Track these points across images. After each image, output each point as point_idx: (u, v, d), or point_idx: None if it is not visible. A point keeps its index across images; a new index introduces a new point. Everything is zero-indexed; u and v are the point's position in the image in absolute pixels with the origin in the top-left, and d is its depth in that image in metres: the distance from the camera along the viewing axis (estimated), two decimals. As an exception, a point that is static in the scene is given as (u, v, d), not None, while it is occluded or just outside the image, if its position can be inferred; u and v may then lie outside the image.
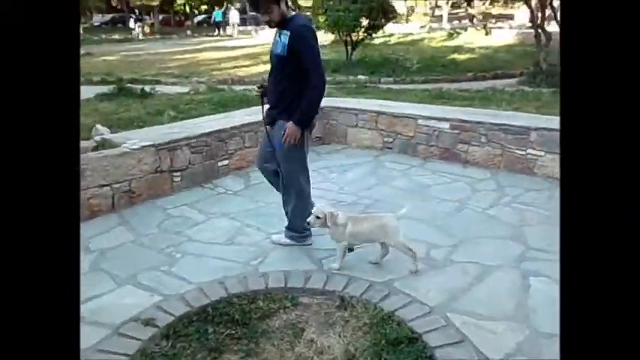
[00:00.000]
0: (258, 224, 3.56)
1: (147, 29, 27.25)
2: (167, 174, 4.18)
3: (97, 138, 4.44)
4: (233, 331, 2.37)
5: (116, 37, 24.63)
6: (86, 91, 8.22)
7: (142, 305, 2.52)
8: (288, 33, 2.74)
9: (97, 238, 3.34)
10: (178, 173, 4.26)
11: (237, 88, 9.15)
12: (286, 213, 3.19)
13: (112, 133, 4.87)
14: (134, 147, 3.95)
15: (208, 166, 4.50)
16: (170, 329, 2.35)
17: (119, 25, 35.22)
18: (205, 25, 34.99)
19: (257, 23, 26.48)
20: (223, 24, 27.36)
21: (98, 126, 4.96)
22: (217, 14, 28.22)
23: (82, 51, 16.56)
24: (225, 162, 4.65)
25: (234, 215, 3.75)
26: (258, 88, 3.19)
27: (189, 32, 25.46)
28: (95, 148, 4.07)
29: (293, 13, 2.91)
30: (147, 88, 8.15)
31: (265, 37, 20.55)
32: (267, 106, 3.12)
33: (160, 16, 35.89)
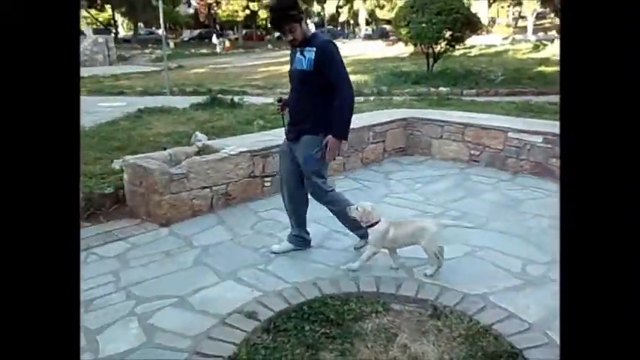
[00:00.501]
0: (345, 230, 3.65)
1: (227, 44, 28.66)
2: (259, 179, 4.41)
3: (198, 144, 4.78)
4: (328, 330, 2.46)
5: (203, 51, 26.21)
6: (182, 101, 8.88)
7: (244, 299, 2.69)
8: (313, 49, 2.78)
9: (199, 236, 3.60)
10: (269, 179, 4.47)
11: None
12: (292, 220, 3.32)
13: (208, 140, 5.22)
14: (232, 153, 4.22)
15: (297, 173, 4.67)
16: (270, 323, 2.48)
17: (206, 40, 37.40)
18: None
19: (334, 36, 26.86)
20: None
21: (197, 133, 5.33)
22: None
23: (174, 64, 17.78)
24: (313, 169, 4.81)
25: (323, 221, 3.86)
26: (278, 102, 3.20)
27: (270, 46, 26.49)
28: (197, 153, 4.38)
29: (313, 31, 2.98)
30: (236, 98, 8.62)
31: (347, 50, 20.89)
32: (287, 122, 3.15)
33: (244, 31, 37.65)
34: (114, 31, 35.78)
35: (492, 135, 5.16)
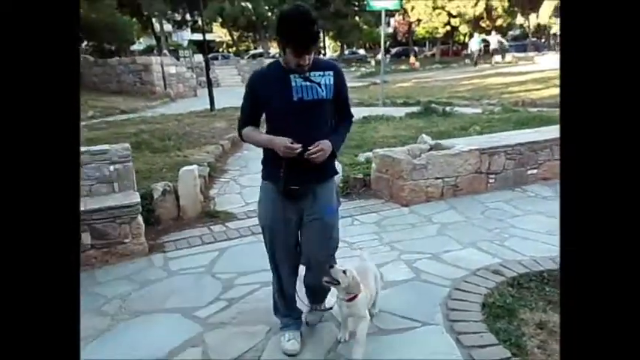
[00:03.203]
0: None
1: (412, 60, 29.52)
2: (484, 175, 4.94)
3: (423, 144, 5.54)
4: (567, 294, 2.88)
5: (402, 67, 27.54)
6: (396, 111, 9.87)
7: (488, 261, 3.28)
8: (329, 73, 2.23)
9: (435, 215, 4.32)
10: (493, 175, 4.96)
11: (531, 109, 9.39)
12: (310, 288, 2.61)
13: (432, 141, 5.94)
14: (463, 150, 4.84)
15: (519, 172, 5.06)
16: (514, 280, 3.02)
17: (402, 57, 38.97)
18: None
19: (524, 49, 24.76)
20: (478, 51, 25.34)
21: (423, 135, 6.12)
22: (475, 42, 26.36)
23: (378, 80, 19.45)
24: (534, 171, 5.13)
25: (549, 214, 4.20)
26: (303, 149, 2.15)
27: (467, 61, 26.37)
28: (429, 150, 5.13)
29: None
30: (447, 108, 9.23)
31: (546, 63, 19.70)
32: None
33: (441, 47, 38.09)
34: (323, 52, 40.07)
35: None
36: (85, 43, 25.05)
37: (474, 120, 7.99)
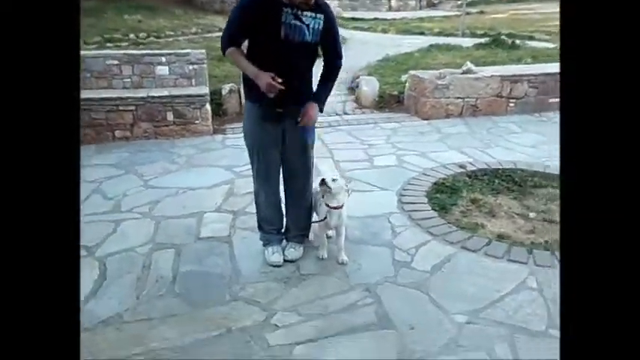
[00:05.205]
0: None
1: None
2: (505, 99, 5.50)
3: (464, 68, 6.11)
4: (509, 186, 3.66)
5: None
6: (469, 42, 10.08)
7: (460, 160, 4.11)
8: (321, 16, 2.31)
9: (446, 128, 5.09)
10: (514, 100, 5.51)
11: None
12: (290, 217, 2.77)
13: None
14: (485, 75, 5.42)
15: (540, 100, 5.54)
16: (472, 173, 3.85)
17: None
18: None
19: None
20: None
21: (468, 62, 6.61)
22: None
23: (476, 9, 18.79)
24: (557, 100, 5.55)
25: (545, 134, 4.78)
26: (282, 81, 2.27)
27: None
28: (462, 74, 5.75)
29: None
30: (517, 41, 9.29)
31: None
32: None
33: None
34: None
35: None
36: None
37: (534, 53, 8.12)
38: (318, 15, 2.30)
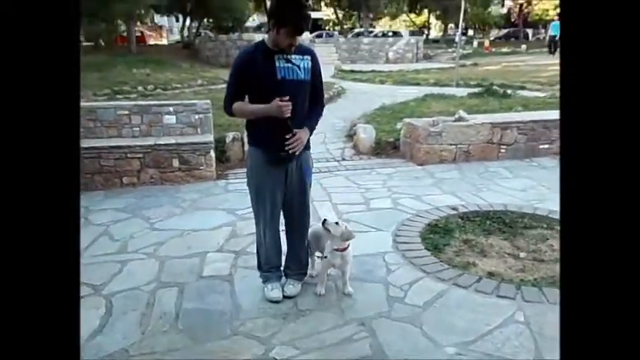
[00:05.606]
0: (552, 187, 4.71)
1: (486, 44, 28.38)
2: (496, 145, 5.74)
3: (456, 116, 6.40)
4: (501, 227, 3.81)
5: (504, 50, 26.85)
6: (463, 92, 10.52)
7: (453, 202, 4.28)
8: (306, 57, 2.55)
9: (440, 173, 5.30)
10: (505, 146, 5.75)
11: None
12: (294, 253, 2.93)
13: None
14: (476, 122, 5.70)
15: (530, 146, 5.79)
16: (464, 215, 4.01)
17: (512, 39, 37.35)
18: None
19: None
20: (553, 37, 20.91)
21: (460, 110, 6.92)
22: (554, 26, 21.35)
23: (470, 62, 19.52)
24: (546, 146, 5.81)
25: (534, 178, 4.98)
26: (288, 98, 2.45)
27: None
28: (454, 121, 6.03)
29: None
30: (509, 91, 9.72)
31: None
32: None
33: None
34: (426, 32, 39.85)
35: None
36: (205, 20, 28.17)
37: (525, 101, 8.49)
38: (305, 56, 2.56)
